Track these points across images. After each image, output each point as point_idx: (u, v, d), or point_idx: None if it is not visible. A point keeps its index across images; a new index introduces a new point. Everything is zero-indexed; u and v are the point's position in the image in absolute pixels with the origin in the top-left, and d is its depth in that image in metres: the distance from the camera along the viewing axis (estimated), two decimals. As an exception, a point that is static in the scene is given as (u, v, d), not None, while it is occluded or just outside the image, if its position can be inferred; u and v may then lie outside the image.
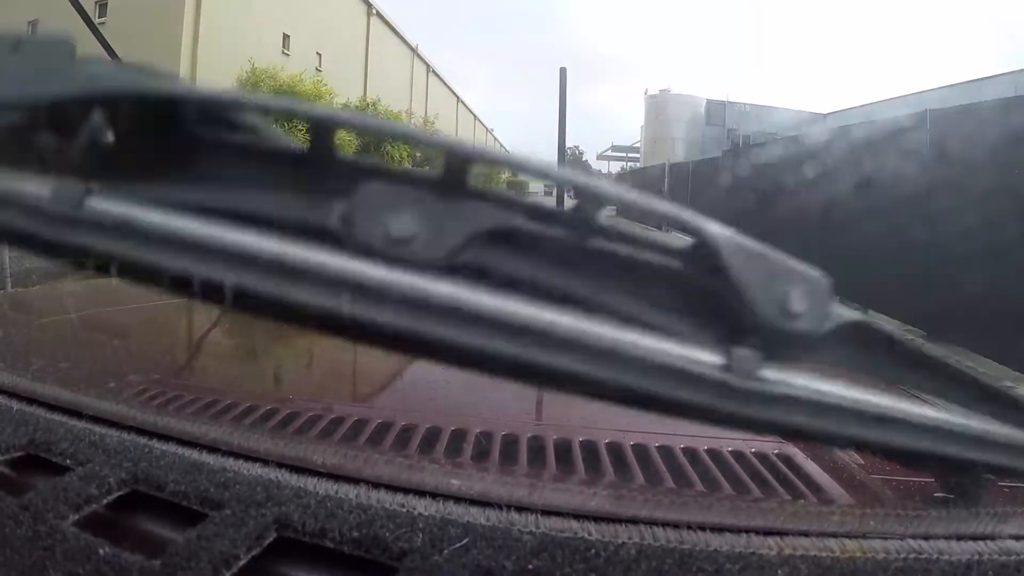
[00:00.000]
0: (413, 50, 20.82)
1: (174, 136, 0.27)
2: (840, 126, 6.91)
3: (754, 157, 9.37)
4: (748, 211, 8.62)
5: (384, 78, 16.47)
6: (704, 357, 0.26)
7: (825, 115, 26.07)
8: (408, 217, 0.24)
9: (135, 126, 0.27)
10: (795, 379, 0.27)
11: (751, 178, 8.99)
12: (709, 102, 24.02)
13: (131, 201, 0.25)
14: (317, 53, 12.97)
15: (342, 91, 12.09)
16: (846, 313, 0.27)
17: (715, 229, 0.26)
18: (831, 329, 0.27)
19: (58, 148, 0.26)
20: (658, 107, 23.64)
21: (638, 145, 36.24)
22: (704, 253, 0.26)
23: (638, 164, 32.04)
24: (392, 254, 0.24)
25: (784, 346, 0.26)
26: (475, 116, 38.05)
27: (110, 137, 0.26)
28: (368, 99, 11.88)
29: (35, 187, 0.26)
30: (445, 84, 26.51)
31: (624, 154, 38.80)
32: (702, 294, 0.27)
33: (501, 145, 55.07)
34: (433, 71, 23.72)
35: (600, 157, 45.88)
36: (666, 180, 15.39)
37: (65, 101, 0.26)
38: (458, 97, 30.74)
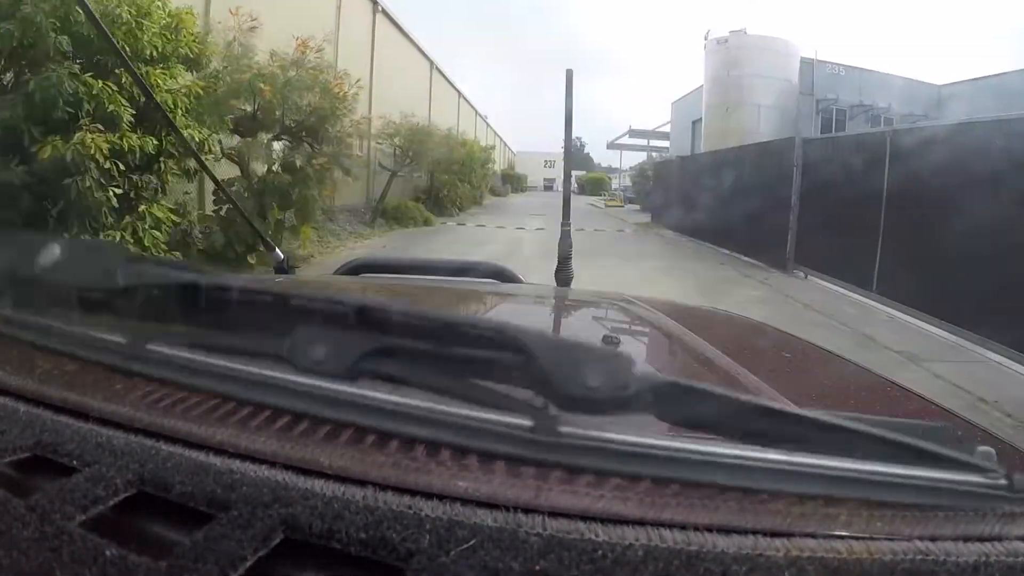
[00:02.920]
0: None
1: (192, 304, 0.43)
2: None
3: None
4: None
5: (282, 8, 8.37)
6: (519, 421, 0.36)
7: (940, 87, 18.77)
8: (321, 346, 0.38)
9: (169, 300, 0.43)
10: (592, 432, 0.35)
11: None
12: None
13: (171, 344, 0.42)
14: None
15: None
16: (652, 379, 0.36)
17: (530, 332, 0.36)
18: (633, 392, 0.35)
19: (125, 314, 0.44)
20: (730, 59, 15.76)
21: (665, 129, 28.62)
22: (518, 348, 0.36)
23: (667, 153, 24.32)
24: (314, 369, 0.39)
25: (588, 409, 0.36)
26: (460, 92, 30.32)
27: (155, 308, 0.43)
28: None
29: (114, 337, 0.44)
30: (406, 35, 18.68)
31: (645, 140, 31.18)
32: (524, 377, 0.37)
33: (497, 135, 47.86)
34: (384, 11, 15.95)
35: (611, 146, 38.36)
36: (797, 175, 7.73)
37: (127, 287, 0.43)
38: (432, 62, 23.03)
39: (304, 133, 6.99)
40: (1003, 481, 0.35)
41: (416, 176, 16.18)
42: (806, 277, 7.61)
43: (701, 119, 20.94)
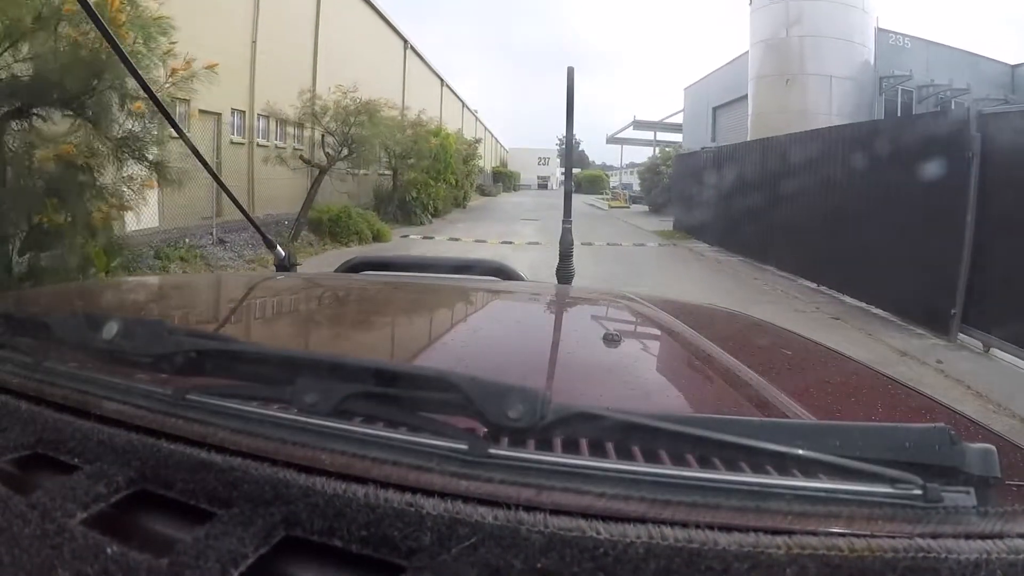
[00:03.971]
0: None
1: (223, 362, 0.47)
2: None
3: None
4: None
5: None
6: (457, 445, 0.39)
7: (1013, 66, 15.62)
8: (313, 392, 0.42)
9: (203, 361, 0.47)
10: (518, 453, 0.38)
11: None
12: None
13: (208, 395, 0.44)
14: None
15: None
16: (566, 409, 0.39)
17: (463, 376, 0.40)
18: (549, 421, 0.38)
19: (170, 372, 0.47)
20: (789, 15, 12.29)
21: (675, 120, 25.35)
22: (456, 388, 0.40)
23: (680, 146, 21.05)
24: (310, 409, 0.42)
25: (511, 435, 0.40)
26: (443, 80, 26.96)
27: (192, 366, 0.46)
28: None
29: (153, 387, 0.45)
30: (368, 2, 15.28)
31: (651, 133, 27.89)
32: (462, 411, 0.40)
33: (488, 130, 44.47)
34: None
35: (612, 140, 35.00)
36: (974, 174, 4.45)
37: (169, 352, 0.46)
38: (406, 40, 19.67)
39: (76, 101, 3.63)
40: (917, 491, 0.35)
41: (382, 174, 12.81)
42: (988, 350, 4.38)
43: (724, 104, 17.67)
